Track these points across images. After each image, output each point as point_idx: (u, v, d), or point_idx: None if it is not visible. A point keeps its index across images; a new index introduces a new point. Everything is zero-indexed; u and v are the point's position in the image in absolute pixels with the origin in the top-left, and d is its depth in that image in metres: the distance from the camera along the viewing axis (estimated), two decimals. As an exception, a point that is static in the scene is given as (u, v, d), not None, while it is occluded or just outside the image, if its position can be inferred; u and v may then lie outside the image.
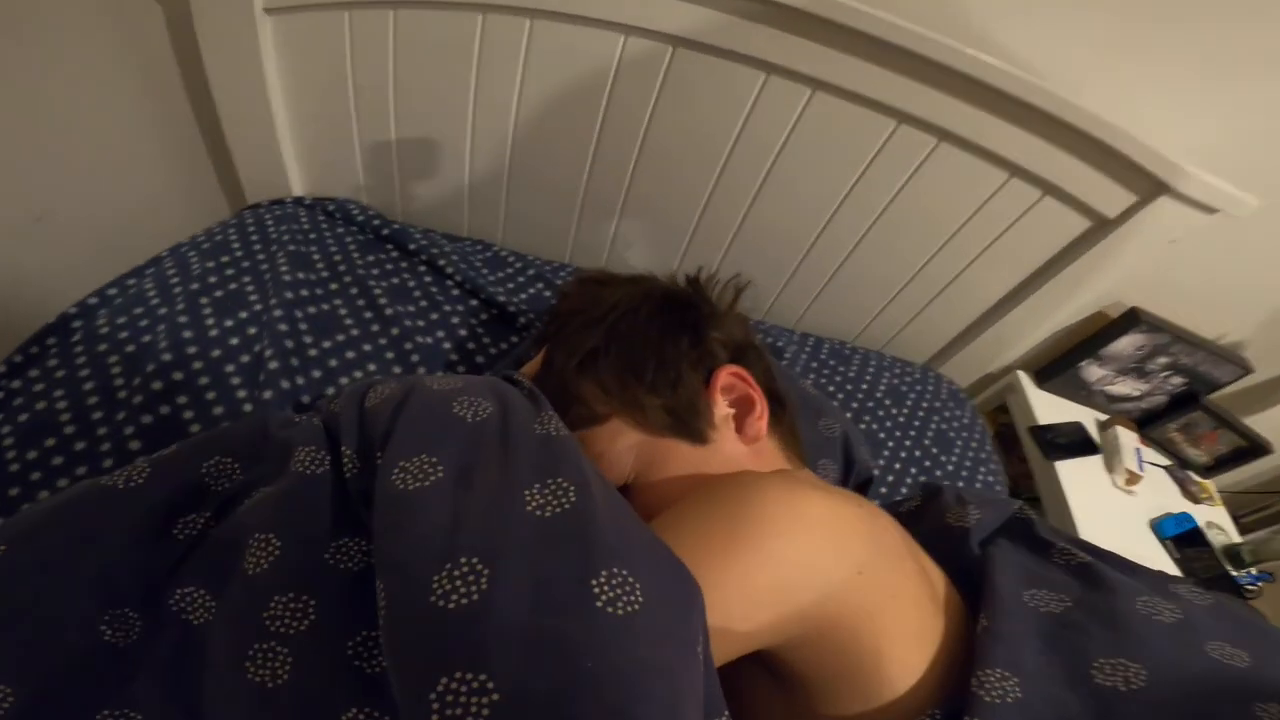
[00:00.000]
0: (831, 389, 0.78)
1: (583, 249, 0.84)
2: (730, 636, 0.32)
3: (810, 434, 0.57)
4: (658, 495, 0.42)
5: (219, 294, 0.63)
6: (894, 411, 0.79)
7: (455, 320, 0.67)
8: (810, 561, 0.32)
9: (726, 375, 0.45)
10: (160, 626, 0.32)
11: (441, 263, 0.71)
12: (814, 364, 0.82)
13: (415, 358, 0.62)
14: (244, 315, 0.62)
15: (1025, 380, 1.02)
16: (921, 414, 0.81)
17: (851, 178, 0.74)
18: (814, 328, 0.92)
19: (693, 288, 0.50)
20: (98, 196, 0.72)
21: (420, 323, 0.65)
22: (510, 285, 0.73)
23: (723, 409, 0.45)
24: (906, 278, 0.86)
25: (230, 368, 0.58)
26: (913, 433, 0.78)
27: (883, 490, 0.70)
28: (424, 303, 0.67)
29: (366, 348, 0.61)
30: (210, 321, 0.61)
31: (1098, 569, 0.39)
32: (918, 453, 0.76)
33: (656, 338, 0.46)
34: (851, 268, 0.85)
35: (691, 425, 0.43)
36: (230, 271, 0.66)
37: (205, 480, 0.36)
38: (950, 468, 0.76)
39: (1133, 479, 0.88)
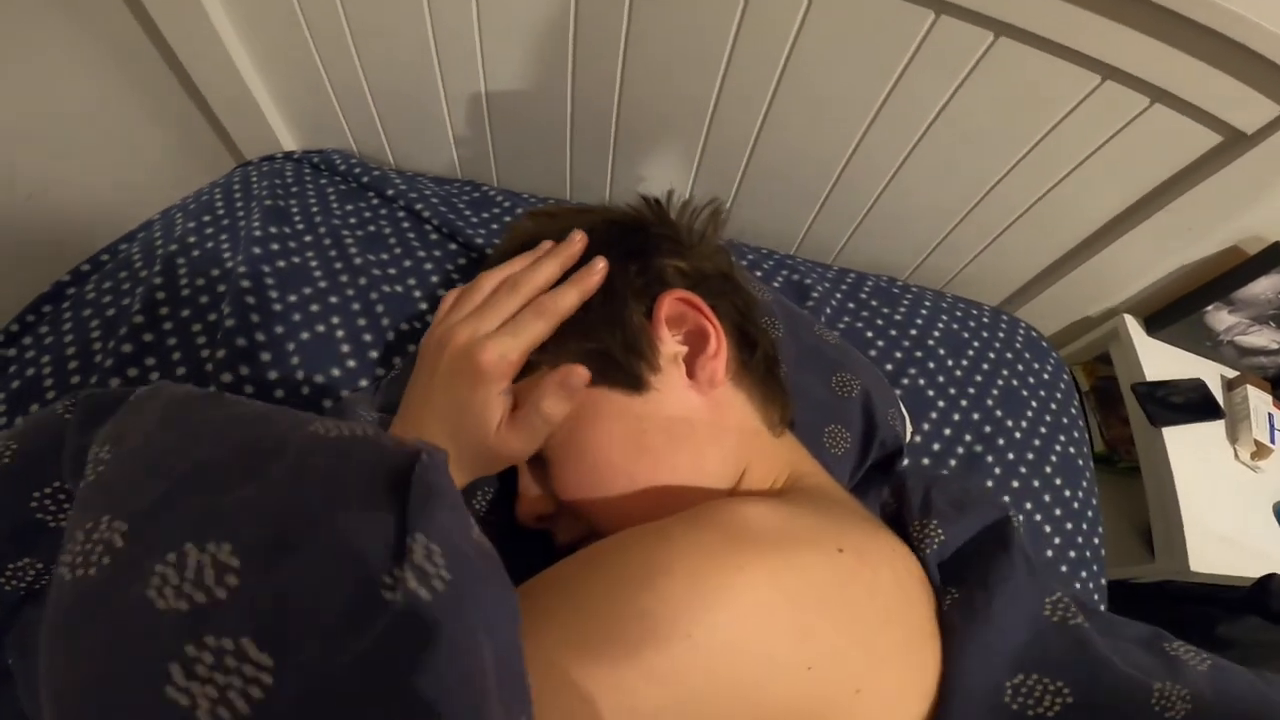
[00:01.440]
0: (870, 334, 0.66)
1: (582, 186, 0.76)
2: None
3: (820, 392, 0.47)
4: (586, 461, 0.34)
5: (195, 254, 0.61)
6: (949, 363, 0.66)
7: (429, 266, 0.61)
8: (733, 666, 0.24)
9: (671, 301, 0.36)
10: None
11: (419, 207, 0.65)
12: (850, 305, 0.70)
13: (380, 308, 0.57)
14: (215, 273, 0.59)
15: (1133, 326, 0.85)
16: (986, 366, 0.67)
17: (886, 81, 0.61)
18: (857, 263, 0.79)
19: (652, 211, 0.41)
20: (93, 169, 0.72)
21: (391, 270, 0.61)
22: (495, 226, 0.66)
23: (671, 345, 0.37)
24: (969, 203, 0.71)
25: (197, 327, 0.56)
26: (972, 389, 0.64)
27: (925, 461, 0.59)
28: (398, 250, 0.63)
29: (333, 300, 0.57)
30: (184, 282, 0.59)
31: (1089, 637, 0.31)
32: (976, 415, 0.63)
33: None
34: (898, 191, 0.71)
35: (623, 368, 0.35)
36: (210, 230, 0.64)
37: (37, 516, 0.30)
38: (1018, 435, 0.62)
39: (1261, 451, 0.72)
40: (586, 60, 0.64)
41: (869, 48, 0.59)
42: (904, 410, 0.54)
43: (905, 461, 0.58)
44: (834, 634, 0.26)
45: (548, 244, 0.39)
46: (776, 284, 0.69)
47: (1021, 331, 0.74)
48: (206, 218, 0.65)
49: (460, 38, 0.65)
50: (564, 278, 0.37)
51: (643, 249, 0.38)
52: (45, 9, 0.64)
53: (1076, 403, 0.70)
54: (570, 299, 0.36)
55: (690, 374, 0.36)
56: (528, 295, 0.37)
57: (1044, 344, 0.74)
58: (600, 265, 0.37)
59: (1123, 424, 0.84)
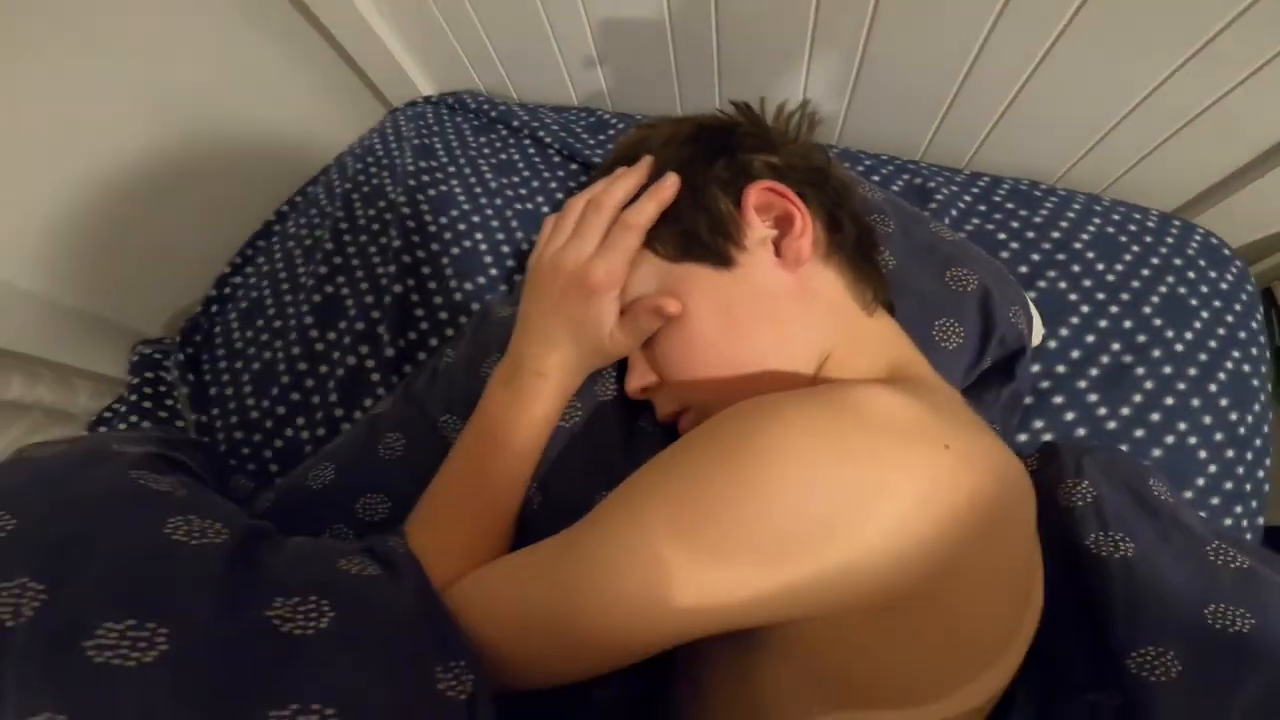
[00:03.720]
0: (1003, 236, 0.61)
1: (692, 104, 0.77)
2: (717, 608, 0.27)
3: (931, 285, 0.46)
4: (681, 336, 0.38)
5: (365, 189, 0.72)
6: (1099, 267, 0.59)
7: (554, 185, 0.68)
8: (830, 546, 0.26)
9: (759, 190, 0.38)
10: None
11: (541, 134, 0.71)
12: (981, 207, 0.65)
13: (515, 223, 0.64)
14: (382, 204, 0.69)
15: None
16: (1147, 272, 0.60)
17: None
18: (994, 168, 0.73)
19: (742, 113, 0.43)
20: (252, 120, 0.85)
21: (522, 191, 0.68)
22: (609, 146, 0.70)
23: (760, 229, 0.39)
24: (1123, 109, 0.62)
25: (373, 249, 0.66)
26: (1125, 295, 0.58)
27: (1060, 369, 0.55)
28: (526, 173, 0.69)
29: (475, 219, 0.65)
30: (359, 213, 0.69)
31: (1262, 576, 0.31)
32: (1128, 322, 0.56)
33: (686, 160, 0.40)
34: (1032, 97, 0.63)
35: (710, 245, 0.38)
36: (374, 169, 0.74)
37: None
38: (1179, 347, 0.55)
39: None
40: None
41: None
42: (1034, 310, 0.51)
43: (1035, 368, 0.55)
44: (928, 529, 0.27)
45: (622, 169, 0.43)
46: (896, 188, 0.66)
47: (1198, 238, 0.64)
48: (369, 159, 0.76)
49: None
50: (641, 192, 0.41)
51: (729, 145, 0.41)
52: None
53: (1261, 317, 0.60)
54: (649, 210, 0.40)
55: (778, 253, 0.39)
56: (612, 211, 0.41)
57: (1226, 252, 0.64)
58: (672, 179, 0.40)
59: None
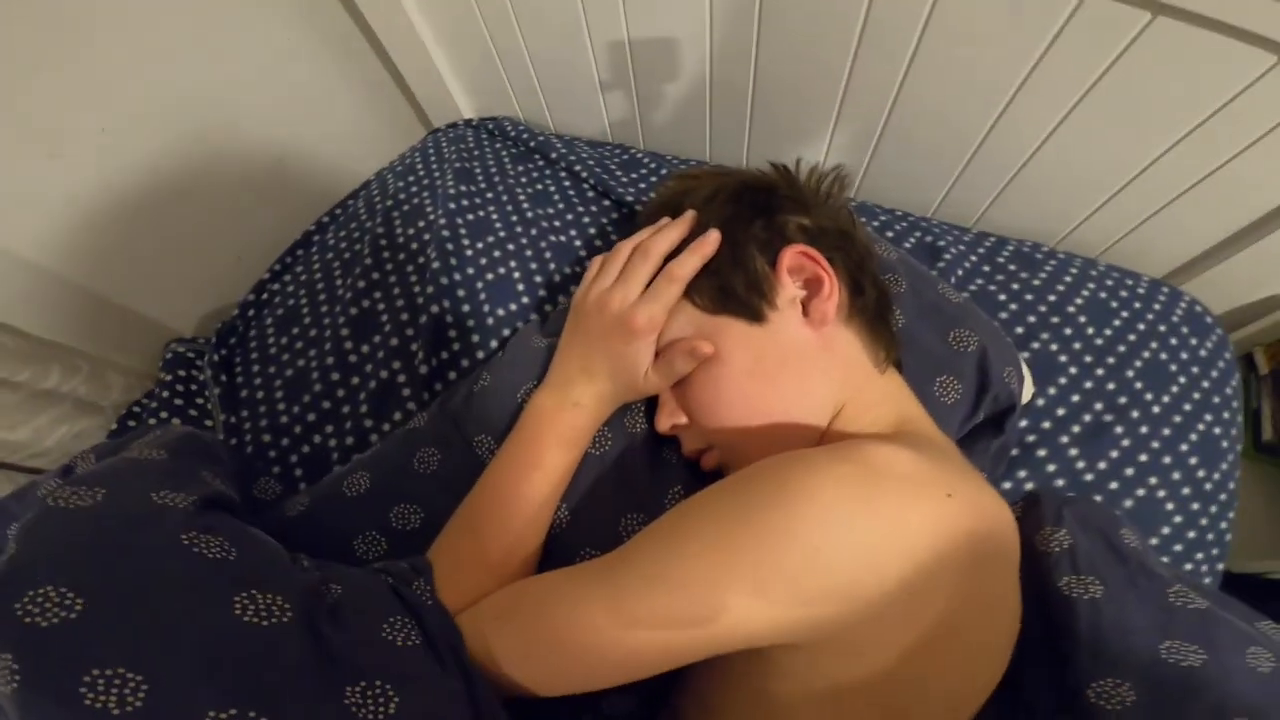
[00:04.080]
0: (1003, 298, 0.66)
1: (721, 150, 0.81)
2: (717, 631, 0.31)
3: (935, 344, 0.51)
4: (711, 380, 0.42)
5: (405, 208, 0.75)
6: (1089, 330, 0.64)
7: (586, 220, 0.71)
8: (848, 577, 0.30)
9: (793, 254, 0.43)
10: None
11: (578, 168, 0.75)
12: (985, 268, 0.69)
13: (549, 254, 0.68)
14: (421, 224, 0.73)
15: (1331, 304, 0.75)
16: (1133, 337, 0.64)
17: (1035, 51, 0.58)
18: (1000, 228, 0.77)
19: (780, 174, 0.47)
20: (297, 128, 0.90)
21: (556, 223, 0.71)
22: (642, 185, 0.75)
23: (791, 290, 0.43)
24: (1125, 177, 0.67)
25: (410, 268, 0.70)
26: (1111, 359, 0.63)
27: (1045, 425, 0.59)
28: (561, 205, 0.73)
29: (510, 247, 0.68)
30: (399, 231, 0.73)
31: (1217, 617, 0.35)
32: (1111, 384, 0.61)
33: (728, 218, 0.44)
34: (1044, 162, 0.68)
35: (745, 301, 0.42)
36: (414, 188, 0.78)
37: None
38: (1156, 409, 0.60)
39: None
40: (723, 32, 0.68)
41: (1008, 26, 0.57)
42: (1026, 371, 0.56)
43: (1023, 423, 0.59)
44: (934, 565, 0.31)
45: (666, 220, 0.48)
46: (908, 246, 0.71)
47: (1184, 305, 0.69)
48: (411, 178, 0.80)
49: (607, 12, 0.71)
50: (684, 245, 0.46)
51: (768, 207, 0.45)
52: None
53: (1235, 384, 0.65)
54: (692, 264, 0.44)
55: (805, 313, 0.43)
56: (657, 260, 0.45)
57: (1208, 319, 0.69)
58: (714, 236, 0.45)
59: (1301, 412, 0.76)
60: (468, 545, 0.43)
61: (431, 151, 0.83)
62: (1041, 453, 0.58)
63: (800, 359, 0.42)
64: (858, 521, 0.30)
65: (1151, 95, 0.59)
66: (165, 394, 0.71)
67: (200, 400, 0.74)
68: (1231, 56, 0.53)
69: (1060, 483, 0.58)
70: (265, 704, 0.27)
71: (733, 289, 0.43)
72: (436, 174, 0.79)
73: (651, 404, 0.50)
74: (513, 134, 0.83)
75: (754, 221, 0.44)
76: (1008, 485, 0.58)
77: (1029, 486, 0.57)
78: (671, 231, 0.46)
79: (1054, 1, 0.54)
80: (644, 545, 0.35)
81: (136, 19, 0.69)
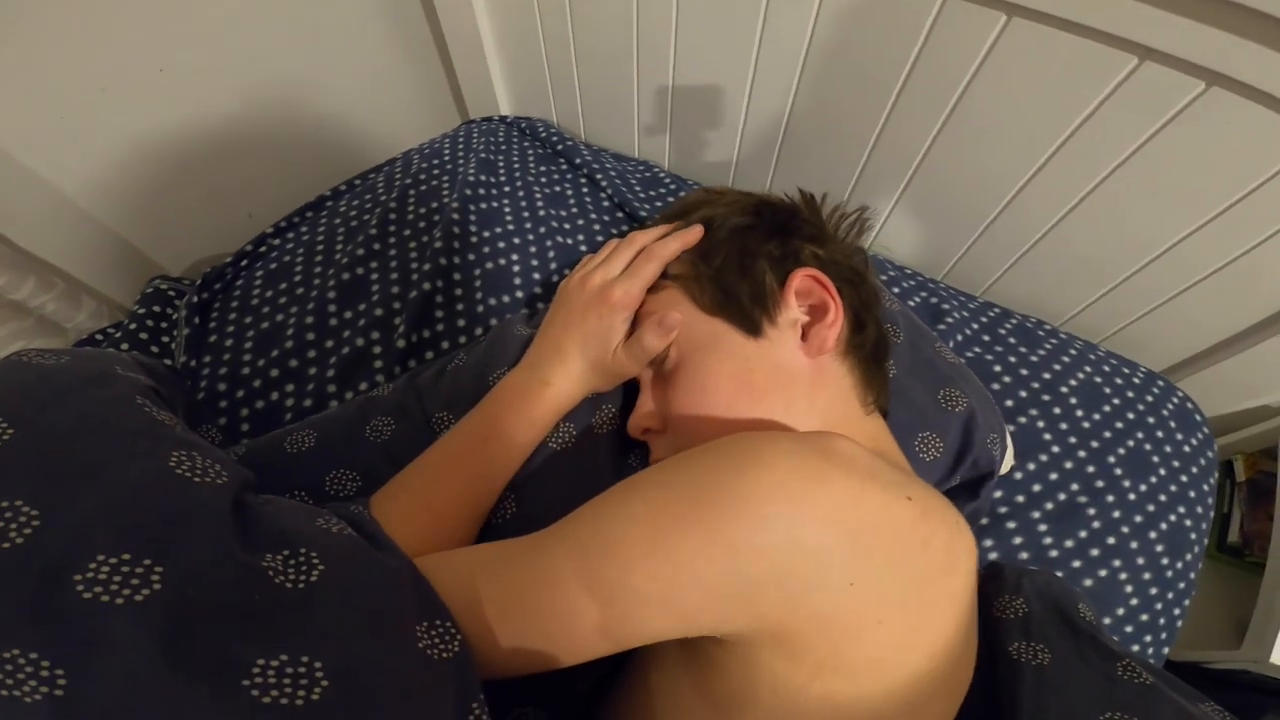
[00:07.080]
0: (998, 369, 0.65)
1: (745, 179, 0.82)
2: (654, 616, 0.30)
3: (924, 399, 0.50)
4: (696, 381, 0.41)
5: (423, 188, 0.76)
6: (1079, 412, 0.64)
7: (597, 228, 0.72)
8: (791, 560, 0.29)
9: (803, 276, 0.42)
10: None
11: (599, 177, 0.76)
12: (985, 337, 0.69)
13: (552, 254, 0.68)
14: (434, 205, 0.73)
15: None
16: (1120, 425, 0.64)
17: (1066, 124, 0.59)
18: (1007, 301, 0.78)
19: (805, 202, 0.47)
20: (339, 99, 0.91)
21: (566, 226, 0.72)
22: (658, 203, 0.75)
23: (794, 312, 0.42)
24: (1141, 260, 0.67)
25: (413, 245, 0.70)
26: (1095, 443, 0.62)
27: (1019, 498, 0.58)
28: (574, 209, 0.73)
29: (515, 240, 0.69)
30: (411, 208, 0.73)
31: (1161, 692, 0.33)
32: (1091, 468, 0.60)
33: (743, 230, 0.44)
34: (1062, 237, 0.69)
35: (745, 310, 0.41)
36: (436, 171, 0.79)
37: None
38: (1132, 497, 0.59)
39: None
40: (766, 70, 0.70)
41: (1054, 87, 0.58)
42: (1009, 441, 0.55)
43: (998, 493, 0.58)
44: (883, 563, 0.30)
45: (667, 227, 0.48)
46: (912, 304, 0.71)
47: (1175, 400, 0.69)
48: (435, 161, 0.80)
49: (658, 39, 0.74)
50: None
51: (786, 227, 0.45)
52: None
53: (1213, 481, 0.64)
54: (674, 246, 0.44)
55: (804, 338, 0.42)
56: (640, 246, 0.46)
57: (1197, 418, 0.68)
58: (698, 227, 0.45)
59: (1267, 519, 0.75)
60: (405, 502, 0.41)
61: (461, 140, 0.84)
62: (1011, 525, 0.57)
63: (789, 382, 0.41)
64: (809, 498, 0.29)
65: (1180, 174, 0.59)
66: (133, 326, 0.68)
67: (165, 339, 0.70)
68: (1269, 131, 0.52)
69: (1024, 556, 0.57)
70: (166, 554, 0.25)
71: (737, 296, 0.42)
72: (461, 161, 0.80)
73: (626, 408, 0.49)
74: (543, 134, 0.84)
75: (770, 238, 0.44)
76: (974, 554, 0.56)
77: (992, 557, 0.56)
78: (659, 229, 0.47)
79: (1105, 68, 0.54)
80: (587, 513, 0.33)
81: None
